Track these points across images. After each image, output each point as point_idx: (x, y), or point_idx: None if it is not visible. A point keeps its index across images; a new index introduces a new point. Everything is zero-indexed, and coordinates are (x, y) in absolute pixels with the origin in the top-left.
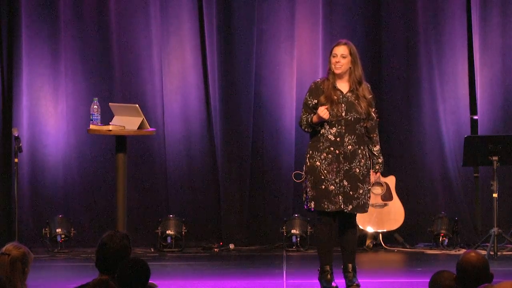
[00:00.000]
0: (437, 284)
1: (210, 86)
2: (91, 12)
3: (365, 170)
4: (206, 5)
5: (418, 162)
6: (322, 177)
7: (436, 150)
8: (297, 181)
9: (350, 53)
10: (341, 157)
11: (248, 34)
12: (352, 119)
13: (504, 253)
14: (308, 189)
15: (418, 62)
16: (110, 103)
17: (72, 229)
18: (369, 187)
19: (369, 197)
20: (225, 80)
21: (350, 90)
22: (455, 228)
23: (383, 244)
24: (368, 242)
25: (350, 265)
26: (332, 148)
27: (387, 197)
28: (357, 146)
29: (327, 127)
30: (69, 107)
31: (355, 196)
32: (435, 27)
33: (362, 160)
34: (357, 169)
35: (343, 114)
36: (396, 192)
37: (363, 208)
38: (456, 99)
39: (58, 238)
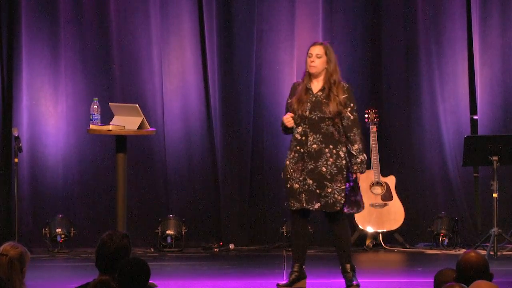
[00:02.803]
0: (439, 281)
1: (210, 86)
2: (91, 12)
3: (335, 169)
4: (206, 5)
5: (418, 162)
6: (288, 175)
7: (436, 150)
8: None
9: (326, 53)
10: (305, 156)
11: (248, 34)
12: (316, 118)
13: (504, 253)
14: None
15: (418, 62)
16: (110, 103)
17: (72, 229)
18: (343, 186)
19: (343, 196)
20: (225, 80)
21: (321, 89)
22: (455, 228)
23: (383, 244)
24: (368, 242)
25: (347, 265)
26: (298, 147)
27: (387, 197)
28: (323, 145)
29: (295, 126)
30: (69, 107)
31: (322, 194)
32: (435, 27)
33: (331, 159)
34: (323, 168)
35: (307, 113)
36: (396, 192)
37: (333, 207)
38: (456, 99)
39: (58, 238)
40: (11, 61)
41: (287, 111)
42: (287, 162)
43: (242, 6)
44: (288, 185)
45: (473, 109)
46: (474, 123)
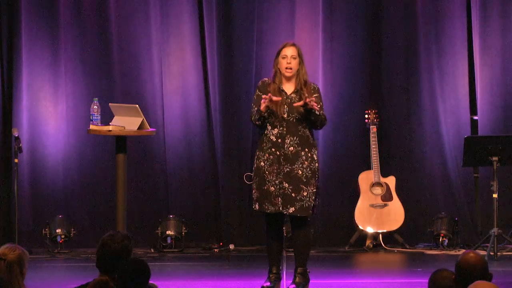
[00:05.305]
0: (436, 283)
1: (210, 86)
2: (91, 12)
3: (310, 172)
4: (206, 5)
5: (418, 162)
6: (265, 177)
7: (436, 150)
8: (249, 182)
9: (299, 54)
10: (281, 159)
11: (248, 34)
12: (294, 120)
13: (504, 253)
14: (254, 191)
15: (418, 63)
16: (110, 103)
17: (72, 229)
18: (315, 190)
19: (316, 200)
20: (225, 80)
21: (294, 91)
22: (455, 229)
23: (383, 245)
24: (368, 242)
25: (300, 268)
26: (273, 149)
27: (387, 197)
28: (300, 148)
29: (270, 127)
30: (69, 107)
31: (298, 198)
32: (435, 27)
33: (306, 163)
34: (299, 171)
35: (285, 115)
36: (396, 192)
37: (307, 210)
38: (456, 99)
39: (58, 239)
40: (11, 61)
41: (259, 103)
42: (262, 164)
43: (242, 6)
44: (265, 188)
45: (473, 110)
46: (474, 123)
